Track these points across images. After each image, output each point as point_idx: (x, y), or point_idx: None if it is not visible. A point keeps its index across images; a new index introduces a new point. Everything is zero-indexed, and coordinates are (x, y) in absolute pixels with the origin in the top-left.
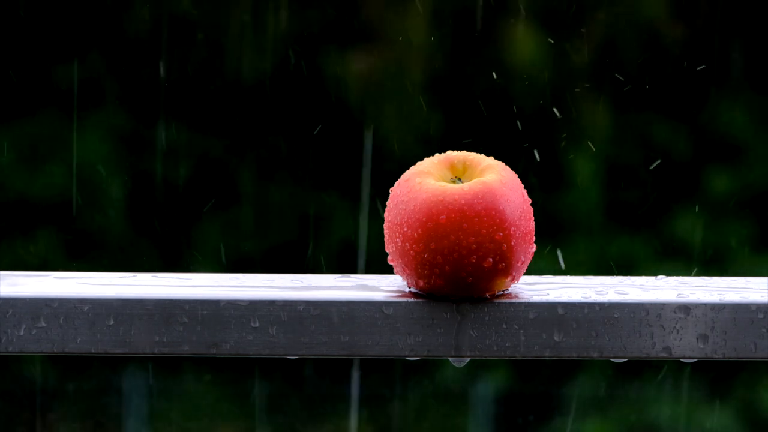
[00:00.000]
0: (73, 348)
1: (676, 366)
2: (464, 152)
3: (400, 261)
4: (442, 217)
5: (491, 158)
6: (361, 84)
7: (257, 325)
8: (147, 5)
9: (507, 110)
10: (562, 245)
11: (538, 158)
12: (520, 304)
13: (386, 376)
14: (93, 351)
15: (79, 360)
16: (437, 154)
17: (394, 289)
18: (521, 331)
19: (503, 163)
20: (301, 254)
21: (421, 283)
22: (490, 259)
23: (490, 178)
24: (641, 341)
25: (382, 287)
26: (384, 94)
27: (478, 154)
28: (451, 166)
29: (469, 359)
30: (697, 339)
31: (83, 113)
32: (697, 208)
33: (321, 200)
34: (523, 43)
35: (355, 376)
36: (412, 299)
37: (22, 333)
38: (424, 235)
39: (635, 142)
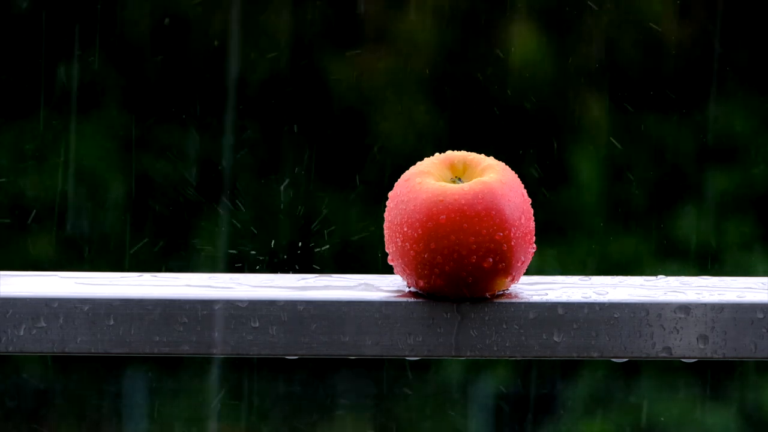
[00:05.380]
0: (73, 348)
1: (675, 366)
2: (464, 152)
3: (400, 261)
4: (442, 217)
5: (491, 158)
6: (361, 83)
7: (257, 325)
8: (147, 4)
9: (507, 110)
10: (563, 245)
11: (538, 158)
12: (520, 304)
13: (386, 375)
14: (93, 351)
15: (79, 360)
16: (437, 154)
17: (394, 289)
18: (521, 331)
19: (503, 163)
20: (302, 254)
21: (421, 283)
22: (490, 259)
23: (490, 178)
24: (641, 341)
25: (382, 287)
26: (384, 93)
27: (478, 154)
28: (451, 165)
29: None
30: (697, 339)
31: (83, 113)
32: (697, 207)
33: (321, 200)
34: (524, 42)
35: (355, 376)
36: (412, 299)
37: (22, 333)
38: (424, 235)
39: (635, 142)
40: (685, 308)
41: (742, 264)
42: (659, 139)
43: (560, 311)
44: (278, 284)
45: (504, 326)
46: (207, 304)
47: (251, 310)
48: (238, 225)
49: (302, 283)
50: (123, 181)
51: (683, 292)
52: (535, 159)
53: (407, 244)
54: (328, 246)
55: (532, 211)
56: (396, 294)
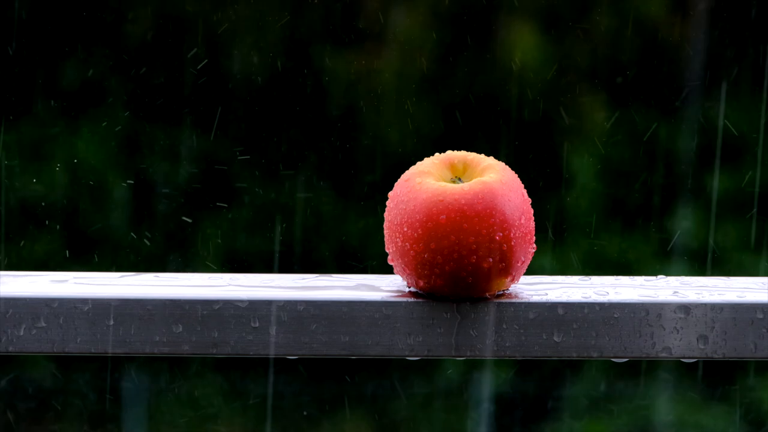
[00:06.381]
0: (73, 348)
1: (676, 366)
2: (464, 152)
3: (400, 261)
4: (442, 217)
5: (491, 158)
6: (360, 84)
7: (257, 325)
8: (148, 5)
9: (507, 110)
10: (562, 245)
11: (537, 158)
12: (520, 304)
13: (386, 375)
14: (93, 351)
15: (79, 360)
16: (437, 154)
17: (394, 289)
18: (521, 331)
19: (503, 163)
20: (302, 254)
21: (421, 283)
22: (490, 259)
23: (490, 178)
24: (641, 341)
25: (382, 287)
26: (383, 93)
27: (478, 154)
28: (451, 166)
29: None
30: (697, 339)
31: (84, 113)
32: (697, 207)
33: (320, 200)
34: (523, 42)
35: (355, 375)
36: (412, 299)
37: (22, 333)
38: (424, 235)
39: (635, 142)
40: (685, 308)
41: (742, 264)
42: (659, 139)
43: (560, 311)
44: (278, 284)
45: (504, 326)
46: (207, 304)
47: (251, 310)
48: (238, 225)
49: (302, 283)
50: (123, 181)
51: (683, 292)
52: (534, 159)
53: (407, 244)
54: (328, 246)
55: (532, 211)
56: (396, 294)
